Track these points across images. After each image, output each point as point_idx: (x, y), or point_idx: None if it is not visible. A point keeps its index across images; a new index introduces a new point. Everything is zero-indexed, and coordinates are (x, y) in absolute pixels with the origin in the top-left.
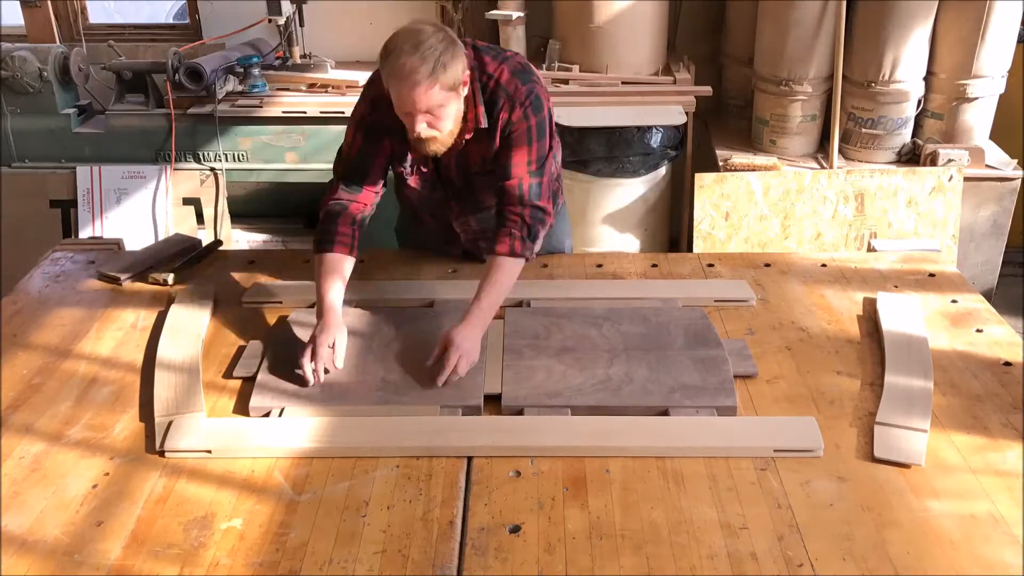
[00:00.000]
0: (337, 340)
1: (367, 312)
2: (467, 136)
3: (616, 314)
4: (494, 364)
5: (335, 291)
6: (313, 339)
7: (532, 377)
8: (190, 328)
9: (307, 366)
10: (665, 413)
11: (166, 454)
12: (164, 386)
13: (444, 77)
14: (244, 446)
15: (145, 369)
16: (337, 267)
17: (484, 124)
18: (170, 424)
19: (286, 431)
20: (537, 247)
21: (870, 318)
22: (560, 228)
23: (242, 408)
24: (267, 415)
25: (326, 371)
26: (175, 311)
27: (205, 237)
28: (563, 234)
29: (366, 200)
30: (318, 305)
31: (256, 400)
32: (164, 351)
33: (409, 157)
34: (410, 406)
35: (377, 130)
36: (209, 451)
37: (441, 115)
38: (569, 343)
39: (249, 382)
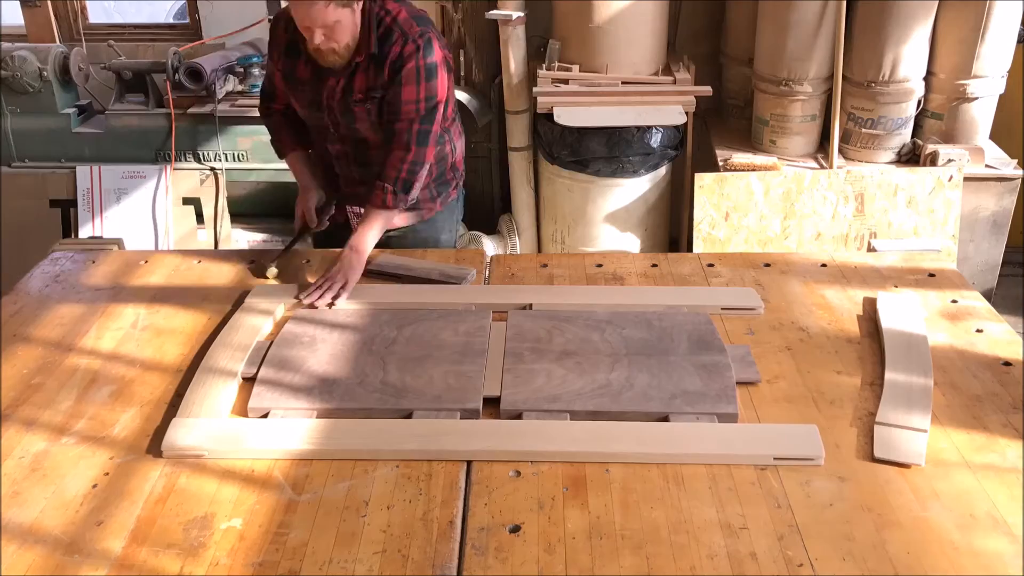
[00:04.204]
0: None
1: (368, 312)
2: (359, 59)
3: (619, 318)
4: (494, 367)
5: (303, 167)
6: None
7: (532, 381)
8: (244, 336)
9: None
10: (665, 419)
11: (164, 455)
12: (196, 388)
13: None
14: (241, 447)
15: (190, 368)
16: (300, 159)
17: (374, 49)
18: (169, 424)
19: (283, 433)
20: (413, 195)
21: (870, 318)
22: (443, 222)
23: (242, 409)
24: (266, 416)
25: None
26: (239, 316)
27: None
28: (443, 230)
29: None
30: (304, 178)
31: (255, 401)
32: (212, 353)
33: (297, 71)
34: (409, 408)
35: (275, 51)
36: (204, 453)
37: (337, 29)
38: (571, 347)
39: (250, 382)
